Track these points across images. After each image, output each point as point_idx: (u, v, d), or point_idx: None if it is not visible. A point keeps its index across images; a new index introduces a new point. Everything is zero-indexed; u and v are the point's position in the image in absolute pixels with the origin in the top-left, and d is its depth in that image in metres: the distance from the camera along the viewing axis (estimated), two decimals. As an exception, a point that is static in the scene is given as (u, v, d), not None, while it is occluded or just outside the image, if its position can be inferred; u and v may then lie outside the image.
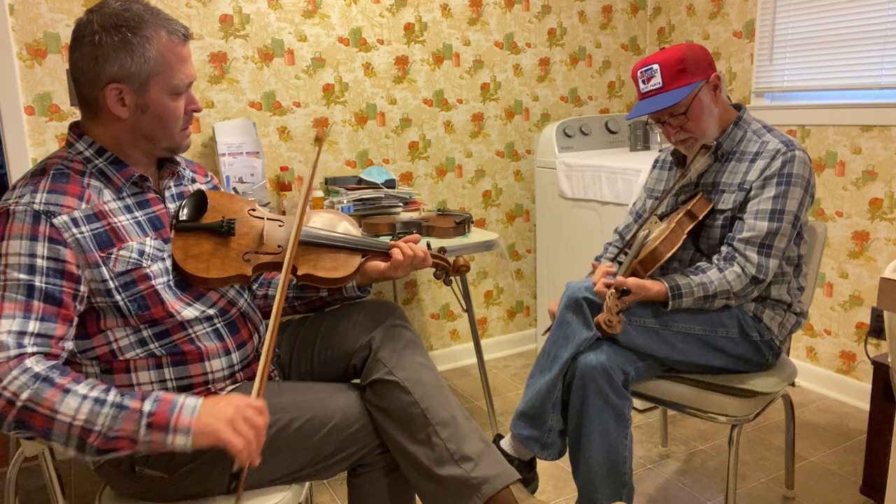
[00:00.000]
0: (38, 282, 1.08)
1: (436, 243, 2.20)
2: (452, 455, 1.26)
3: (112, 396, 1.06)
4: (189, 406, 1.08)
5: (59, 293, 1.10)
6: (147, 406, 1.06)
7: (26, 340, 1.05)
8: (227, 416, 1.07)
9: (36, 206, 1.10)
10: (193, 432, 1.06)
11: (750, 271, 1.63)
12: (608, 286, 1.60)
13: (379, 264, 1.44)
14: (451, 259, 1.59)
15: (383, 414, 1.31)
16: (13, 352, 1.03)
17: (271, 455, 1.24)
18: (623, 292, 1.58)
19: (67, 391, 1.04)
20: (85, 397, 1.04)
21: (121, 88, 1.15)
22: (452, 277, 1.58)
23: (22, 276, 1.07)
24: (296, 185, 2.63)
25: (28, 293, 1.07)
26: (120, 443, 1.04)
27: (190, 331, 1.24)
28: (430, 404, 1.29)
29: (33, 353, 1.06)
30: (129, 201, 1.22)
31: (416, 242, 1.47)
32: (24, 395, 1.01)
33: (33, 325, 1.07)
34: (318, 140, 1.41)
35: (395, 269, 1.43)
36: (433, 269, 1.60)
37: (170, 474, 1.21)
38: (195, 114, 1.39)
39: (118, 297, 1.16)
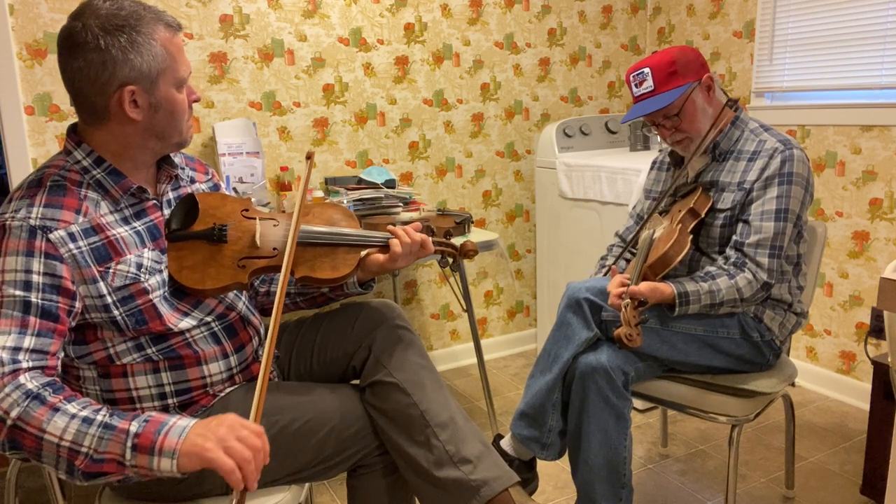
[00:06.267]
0: (35, 298, 1.06)
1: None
2: (451, 457, 1.26)
3: (101, 416, 1.01)
4: (178, 427, 1.01)
5: (56, 309, 1.08)
6: (134, 427, 1.00)
7: (21, 356, 1.03)
8: (217, 435, 1.00)
9: (32, 222, 1.09)
10: (179, 454, 0.99)
11: (762, 277, 1.62)
12: (621, 297, 1.54)
13: (378, 257, 1.39)
14: (457, 243, 1.50)
15: (382, 415, 1.31)
16: (7, 368, 1.01)
17: (270, 456, 1.24)
18: (641, 303, 1.53)
19: (57, 410, 1.00)
20: (73, 416, 1.00)
21: (134, 90, 1.14)
22: (461, 262, 1.48)
23: (18, 292, 1.06)
24: (296, 184, 2.63)
25: (24, 309, 1.06)
26: (107, 466, 1.00)
27: (187, 335, 1.23)
28: (430, 406, 1.29)
29: (29, 369, 1.03)
30: (126, 213, 1.20)
31: (417, 230, 1.40)
32: (14, 413, 0.98)
33: (29, 341, 1.05)
34: (309, 157, 1.38)
35: (395, 260, 1.37)
36: (438, 257, 1.53)
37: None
38: (194, 104, 1.37)
39: (115, 312, 1.15)
